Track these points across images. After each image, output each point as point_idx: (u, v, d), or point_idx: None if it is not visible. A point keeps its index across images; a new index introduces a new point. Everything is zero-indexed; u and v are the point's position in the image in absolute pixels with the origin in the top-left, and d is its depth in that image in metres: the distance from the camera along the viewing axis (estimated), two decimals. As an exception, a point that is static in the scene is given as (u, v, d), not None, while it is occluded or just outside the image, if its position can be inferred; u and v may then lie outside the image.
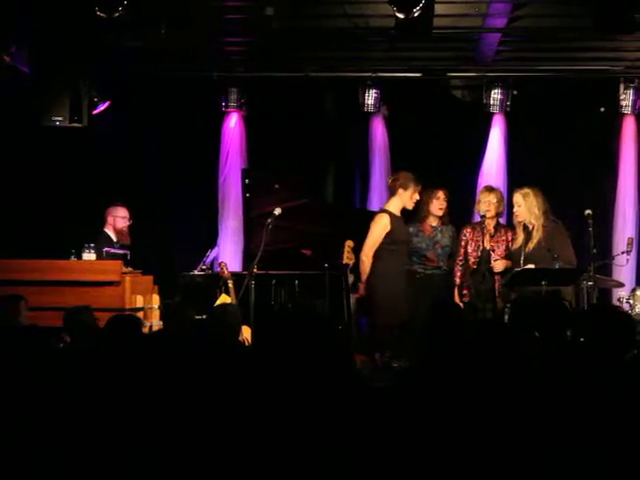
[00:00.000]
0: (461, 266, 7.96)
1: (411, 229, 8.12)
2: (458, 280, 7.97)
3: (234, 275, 8.42)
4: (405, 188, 7.92)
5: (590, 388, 3.66)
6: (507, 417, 3.53)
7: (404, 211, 8.11)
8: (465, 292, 7.93)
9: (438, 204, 8.11)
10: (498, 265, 7.78)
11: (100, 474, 3.48)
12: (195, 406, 3.73)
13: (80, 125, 8.93)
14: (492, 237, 7.87)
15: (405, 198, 7.95)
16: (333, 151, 10.01)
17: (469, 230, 7.99)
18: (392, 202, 8.03)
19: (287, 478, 3.36)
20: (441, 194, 8.11)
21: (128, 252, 8.13)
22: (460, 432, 3.46)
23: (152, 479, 3.51)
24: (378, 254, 7.86)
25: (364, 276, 7.93)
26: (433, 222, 8.18)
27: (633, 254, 8.55)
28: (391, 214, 7.92)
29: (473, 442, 3.43)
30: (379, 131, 9.86)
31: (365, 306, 8.08)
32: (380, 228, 7.89)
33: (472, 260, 7.89)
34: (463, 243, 7.96)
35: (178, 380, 3.96)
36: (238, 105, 9.75)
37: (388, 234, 7.87)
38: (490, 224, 7.90)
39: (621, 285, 8.46)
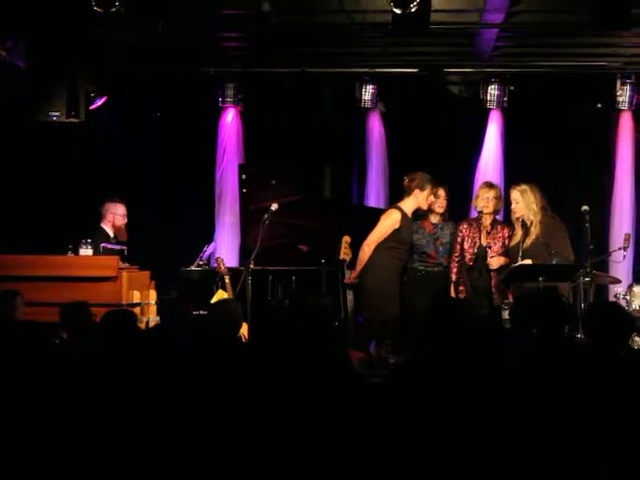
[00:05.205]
0: (457, 262, 7.95)
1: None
2: (454, 276, 7.95)
3: (231, 271, 8.43)
4: (422, 189, 7.87)
5: (588, 384, 3.67)
6: (504, 415, 3.53)
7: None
8: (461, 288, 7.91)
9: (439, 202, 8.09)
10: (494, 262, 7.77)
11: (97, 471, 3.48)
12: (192, 402, 3.73)
13: (77, 120, 8.91)
14: (489, 234, 7.86)
15: (421, 199, 7.89)
16: (330, 147, 10.00)
17: (465, 226, 7.97)
18: (407, 201, 7.95)
19: (287, 476, 3.37)
20: (442, 192, 8.08)
21: (125, 248, 8.13)
22: (456, 428, 3.46)
23: (150, 474, 3.51)
24: (378, 248, 7.84)
25: (359, 266, 7.91)
26: (434, 219, 8.16)
27: (630, 250, 8.52)
28: (404, 213, 7.88)
29: (469, 438, 3.43)
30: (376, 127, 9.86)
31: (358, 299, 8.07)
32: (390, 223, 7.86)
33: (468, 257, 7.88)
34: (459, 239, 7.94)
35: (175, 376, 3.96)
36: (235, 100, 9.75)
37: (395, 231, 7.84)
38: (487, 220, 7.88)
39: (618, 281, 8.45)
